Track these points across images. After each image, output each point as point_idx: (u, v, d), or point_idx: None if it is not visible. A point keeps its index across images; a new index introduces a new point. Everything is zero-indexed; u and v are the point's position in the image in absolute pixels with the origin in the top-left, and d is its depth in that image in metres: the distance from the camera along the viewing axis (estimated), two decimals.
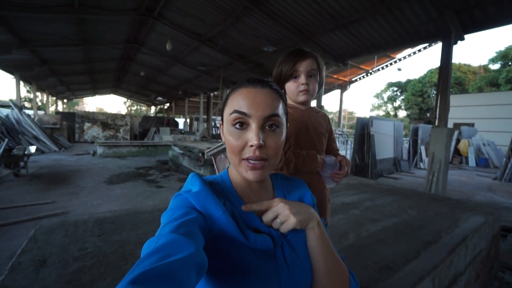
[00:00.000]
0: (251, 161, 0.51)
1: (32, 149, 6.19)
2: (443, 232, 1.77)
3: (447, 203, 2.55)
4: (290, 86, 0.97)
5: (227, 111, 0.54)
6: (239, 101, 0.52)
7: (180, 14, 7.39)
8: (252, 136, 0.50)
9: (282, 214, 0.53)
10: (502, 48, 23.68)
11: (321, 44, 7.04)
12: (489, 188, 6.58)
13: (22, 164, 5.67)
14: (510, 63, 21.88)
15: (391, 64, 11.66)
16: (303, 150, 0.96)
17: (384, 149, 8.12)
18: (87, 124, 14.91)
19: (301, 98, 0.97)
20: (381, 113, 35.32)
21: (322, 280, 0.54)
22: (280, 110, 0.54)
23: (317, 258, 0.54)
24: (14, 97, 11.67)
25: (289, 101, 0.99)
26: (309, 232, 0.55)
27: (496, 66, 23.65)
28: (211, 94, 16.61)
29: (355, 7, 5.37)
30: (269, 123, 0.52)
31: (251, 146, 0.50)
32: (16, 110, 9.77)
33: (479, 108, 16.67)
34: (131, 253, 1.32)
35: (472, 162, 11.08)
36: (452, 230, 1.80)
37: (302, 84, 0.95)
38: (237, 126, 0.52)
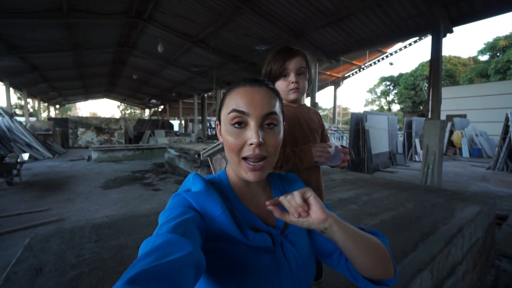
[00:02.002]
0: (251, 163, 0.51)
1: (25, 156, 6.09)
2: (440, 223, 1.79)
3: (443, 194, 2.59)
4: (280, 85, 0.97)
5: (225, 110, 0.54)
6: (237, 100, 0.52)
7: (171, 15, 7.34)
8: (251, 134, 0.50)
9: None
10: (490, 40, 24.05)
11: (313, 41, 7.06)
12: (483, 178, 6.68)
13: (15, 172, 5.57)
14: (498, 54, 22.24)
15: (382, 58, 11.75)
16: (299, 147, 0.96)
17: (379, 143, 8.19)
18: (80, 129, 14.74)
19: (292, 96, 0.98)
20: (375, 107, 35.61)
21: (369, 268, 0.51)
22: (278, 108, 0.55)
23: (354, 251, 0.50)
24: (4, 104, 11.48)
25: None
26: (331, 227, 0.49)
27: (485, 57, 24.05)
28: (205, 95, 16.54)
29: (345, 3, 5.40)
30: (267, 121, 0.52)
31: (251, 144, 0.50)
32: (6, 117, 9.61)
33: (471, 99, 16.92)
34: (130, 258, 1.30)
35: (465, 152, 11.24)
36: (448, 221, 1.82)
37: (292, 82, 0.95)
38: (236, 125, 0.51)
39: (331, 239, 0.50)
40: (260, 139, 0.49)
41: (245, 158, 0.51)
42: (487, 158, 10.52)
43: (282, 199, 0.49)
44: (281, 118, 0.56)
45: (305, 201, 0.48)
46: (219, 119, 0.58)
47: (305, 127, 1.00)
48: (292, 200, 0.48)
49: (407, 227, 1.74)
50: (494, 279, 2.26)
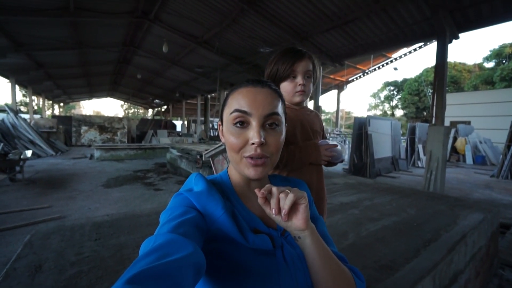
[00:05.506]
0: (253, 159, 0.51)
1: (28, 153, 6.13)
2: (442, 230, 1.77)
3: (446, 201, 2.56)
4: (286, 86, 0.96)
5: (227, 110, 0.54)
6: (239, 100, 0.52)
7: (176, 16, 7.39)
8: (253, 134, 0.50)
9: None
10: (496, 47, 23.93)
11: (317, 44, 7.06)
12: (486, 186, 6.61)
13: (18, 168, 5.61)
14: (504, 61, 22.11)
15: (387, 63, 11.73)
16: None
17: (382, 148, 8.15)
18: (84, 128, 14.82)
19: (298, 98, 0.97)
20: (378, 112, 35.51)
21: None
22: (280, 109, 0.55)
23: (319, 267, 0.50)
24: (9, 101, 11.58)
25: None
26: (306, 239, 0.50)
27: (490, 64, 23.92)
28: (209, 96, 16.60)
29: (351, 8, 5.40)
30: (269, 122, 0.52)
31: (253, 144, 0.50)
32: (11, 114, 9.69)
33: (475, 106, 16.82)
34: (129, 257, 1.30)
35: (469, 159, 11.15)
36: (451, 228, 1.80)
37: (300, 84, 0.94)
38: (238, 125, 0.52)
39: (302, 249, 0.51)
40: (262, 139, 0.50)
41: (246, 157, 0.52)
42: (491, 165, 10.43)
43: (274, 190, 0.48)
44: (283, 119, 0.56)
45: (296, 205, 0.48)
46: (221, 119, 0.58)
47: (308, 129, 1.01)
48: (282, 199, 0.48)
49: (409, 233, 1.72)
50: None
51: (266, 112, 0.51)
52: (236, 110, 0.52)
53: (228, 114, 0.53)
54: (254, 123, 0.51)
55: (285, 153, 0.91)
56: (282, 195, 0.48)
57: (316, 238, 0.50)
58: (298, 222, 0.48)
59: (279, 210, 0.47)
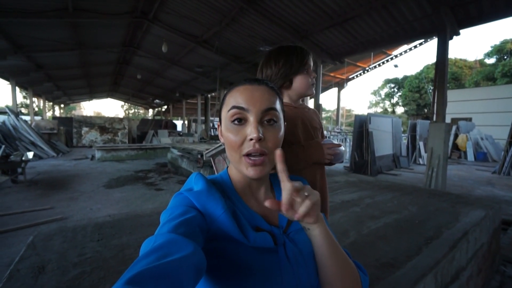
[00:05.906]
0: (252, 158, 0.51)
1: (30, 155, 6.15)
2: (444, 227, 1.76)
3: (447, 198, 2.55)
4: (302, 79, 0.98)
5: (225, 109, 0.54)
6: (236, 97, 0.53)
7: (175, 16, 7.38)
8: (251, 129, 0.50)
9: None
10: (497, 42, 23.77)
11: (318, 42, 7.05)
12: (488, 182, 6.60)
13: (19, 170, 5.63)
14: (505, 57, 22.01)
15: (387, 61, 11.68)
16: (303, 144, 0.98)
17: (383, 146, 8.13)
18: (84, 129, 14.85)
19: (311, 91, 1.02)
20: (379, 110, 35.40)
21: (334, 283, 0.51)
22: (278, 105, 0.55)
23: (327, 258, 0.50)
24: (10, 103, 11.61)
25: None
26: (315, 230, 0.50)
27: (491, 61, 23.84)
28: (209, 95, 16.59)
29: (350, 5, 5.38)
30: (267, 117, 0.52)
31: (251, 139, 0.50)
32: (12, 116, 9.71)
33: (476, 102, 16.75)
34: (131, 257, 1.30)
35: (470, 156, 11.12)
36: (453, 225, 1.80)
37: (313, 76, 1.01)
38: (236, 122, 0.52)
39: (310, 239, 0.52)
40: (260, 134, 0.50)
41: (245, 155, 0.51)
42: (493, 162, 10.40)
43: (291, 190, 0.44)
44: (281, 116, 0.56)
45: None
46: (220, 119, 0.58)
47: (308, 126, 1.02)
48: (298, 204, 0.45)
49: (410, 230, 1.72)
50: (499, 285, 2.22)
51: (263, 107, 0.52)
52: (234, 107, 0.52)
53: (226, 112, 0.54)
54: (251, 118, 0.51)
55: (288, 154, 0.92)
56: (298, 200, 0.45)
57: (324, 228, 0.51)
58: (309, 220, 0.47)
59: (287, 208, 0.44)
